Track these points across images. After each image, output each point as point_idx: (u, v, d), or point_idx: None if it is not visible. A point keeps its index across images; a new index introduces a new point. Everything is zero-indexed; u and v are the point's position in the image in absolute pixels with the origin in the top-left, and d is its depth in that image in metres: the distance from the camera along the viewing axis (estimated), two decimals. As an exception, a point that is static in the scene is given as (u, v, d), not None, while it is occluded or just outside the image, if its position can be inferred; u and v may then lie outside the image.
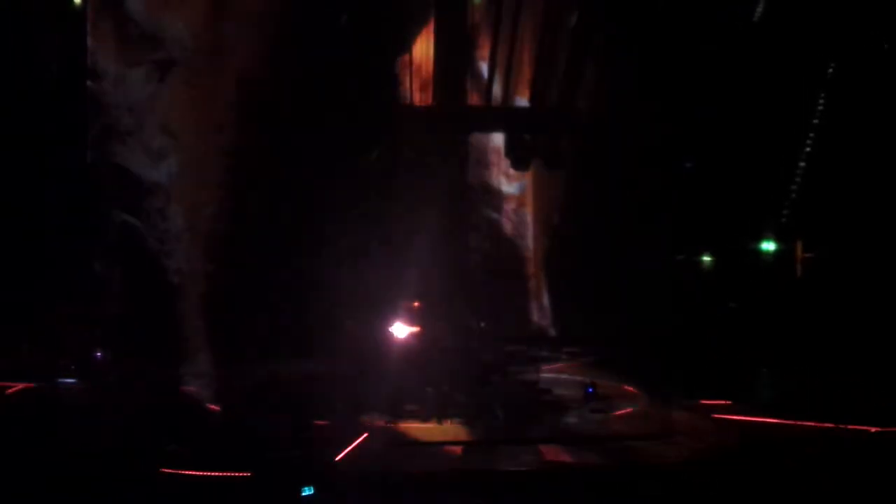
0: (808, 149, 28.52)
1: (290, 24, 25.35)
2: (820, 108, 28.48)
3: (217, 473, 18.90)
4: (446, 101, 26.08)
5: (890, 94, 27.29)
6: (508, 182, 29.47)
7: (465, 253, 27.00)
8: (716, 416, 23.36)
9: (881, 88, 27.42)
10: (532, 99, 26.20)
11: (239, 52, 25.24)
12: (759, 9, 28.34)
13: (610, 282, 27.86)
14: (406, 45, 26.80)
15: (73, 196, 26.12)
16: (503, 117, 26.79)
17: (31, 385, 24.21)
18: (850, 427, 21.74)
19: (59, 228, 26.09)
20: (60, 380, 24.36)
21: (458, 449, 21.55)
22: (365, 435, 21.41)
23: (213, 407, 23.28)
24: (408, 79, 26.82)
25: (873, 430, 21.66)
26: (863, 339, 25.64)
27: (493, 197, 29.53)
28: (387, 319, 24.98)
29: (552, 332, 29.16)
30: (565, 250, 29.09)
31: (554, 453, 21.30)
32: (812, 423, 22.07)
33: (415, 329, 24.97)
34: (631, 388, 25.56)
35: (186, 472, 18.98)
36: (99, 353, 25.23)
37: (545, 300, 29.42)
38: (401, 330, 24.88)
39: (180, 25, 25.70)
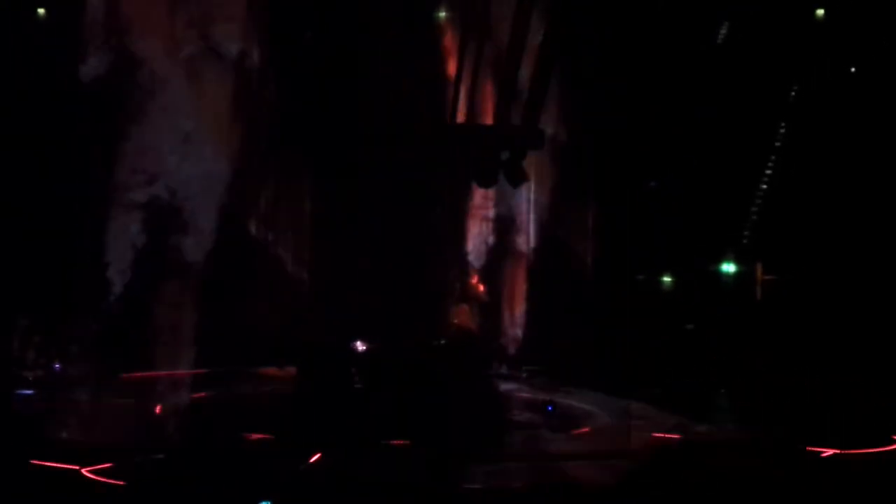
0: (769, 171, 28.73)
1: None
2: (781, 130, 28.72)
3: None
4: (406, 119, 26.28)
5: (851, 117, 27.56)
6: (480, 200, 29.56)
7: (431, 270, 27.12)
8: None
9: (843, 112, 27.70)
10: (495, 117, 26.29)
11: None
12: (721, 32, 28.62)
13: (571, 301, 27.98)
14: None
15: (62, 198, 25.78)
16: (464, 135, 26.86)
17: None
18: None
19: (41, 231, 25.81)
20: (18, 391, 24.13)
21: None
22: (318, 454, 21.30)
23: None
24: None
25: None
26: (822, 364, 25.75)
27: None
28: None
29: (512, 350, 29.19)
30: (529, 269, 29.19)
31: (513, 472, 21.28)
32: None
33: (373, 345, 24.98)
34: (590, 408, 25.61)
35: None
36: (58, 365, 25.00)
37: (506, 318, 29.45)
38: (359, 346, 24.87)
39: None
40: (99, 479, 18.87)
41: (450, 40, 27.51)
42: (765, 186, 28.77)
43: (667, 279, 29.18)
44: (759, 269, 28.64)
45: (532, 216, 29.27)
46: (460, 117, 26.53)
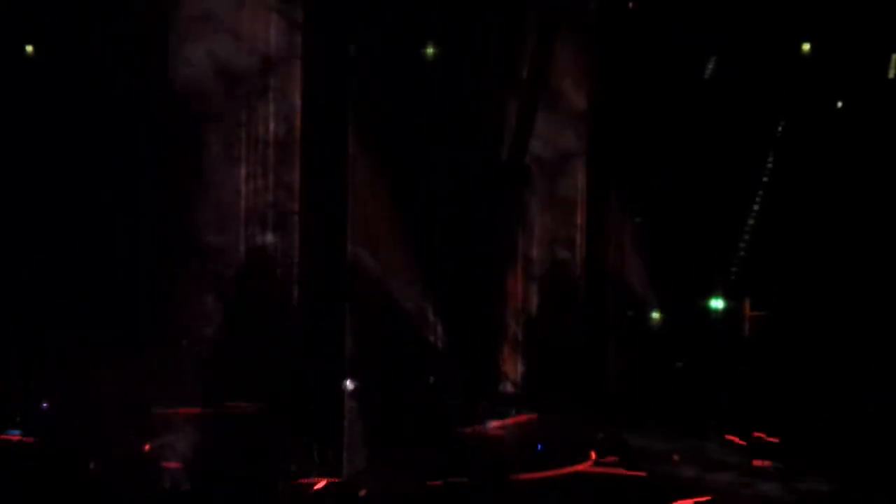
0: (756, 206, 28.76)
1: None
2: (769, 165, 28.76)
3: None
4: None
5: (839, 152, 27.63)
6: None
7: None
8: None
9: (831, 146, 27.77)
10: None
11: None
12: (708, 67, 28.69)
13: (560, 339, 27.93)
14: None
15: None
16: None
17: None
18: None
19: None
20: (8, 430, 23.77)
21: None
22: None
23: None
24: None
25: None
26: (811, 401, 25.67)
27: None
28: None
29: (506, 387, 29.04)
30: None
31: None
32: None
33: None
34: (583, 445, 25.47)
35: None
36: (45, 405, 24.65)
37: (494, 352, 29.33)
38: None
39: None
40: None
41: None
42: (752, 222, 28.77)
43: (655, 315, 29.07)
44: (747, 305, 28.58)
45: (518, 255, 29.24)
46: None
